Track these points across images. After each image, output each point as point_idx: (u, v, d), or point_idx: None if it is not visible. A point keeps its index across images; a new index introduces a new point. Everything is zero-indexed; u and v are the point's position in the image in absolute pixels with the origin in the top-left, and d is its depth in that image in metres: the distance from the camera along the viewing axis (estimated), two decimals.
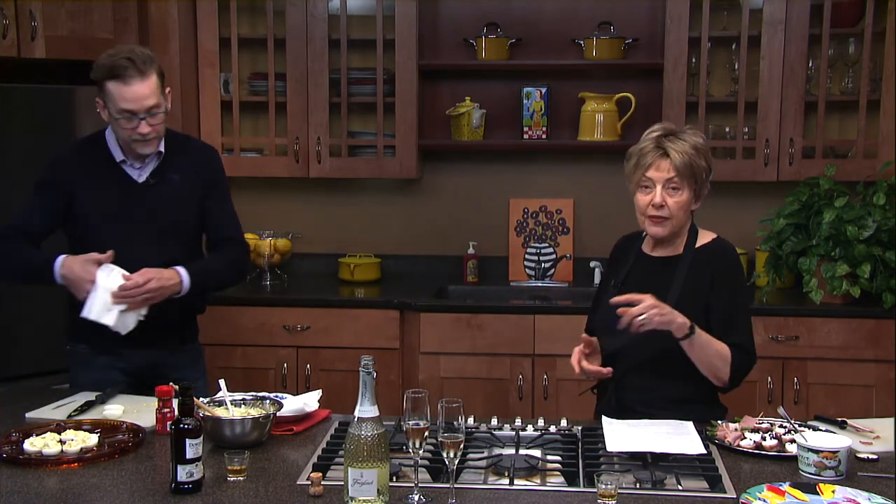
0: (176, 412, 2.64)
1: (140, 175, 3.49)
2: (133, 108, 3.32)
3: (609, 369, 3.19)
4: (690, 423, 2.97)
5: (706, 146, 3.18)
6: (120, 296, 3.28)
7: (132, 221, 3.46)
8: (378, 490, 2.39)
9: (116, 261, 3.32)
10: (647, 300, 2.97)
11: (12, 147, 4.36)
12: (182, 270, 3.42)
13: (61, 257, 3.33)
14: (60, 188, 3.44)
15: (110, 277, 3.27)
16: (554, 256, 5.38)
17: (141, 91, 3.32)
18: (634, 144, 3.24)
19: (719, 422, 3.03)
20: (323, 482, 2.53)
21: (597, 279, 5.12)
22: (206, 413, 2.85)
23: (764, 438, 2.86)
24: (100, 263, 3.29)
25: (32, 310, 4.45)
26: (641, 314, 2.95)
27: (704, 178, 3.15)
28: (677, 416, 3.02)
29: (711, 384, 3.12)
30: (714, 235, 3.26)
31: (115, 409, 3.16)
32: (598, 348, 3.25)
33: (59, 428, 2.90)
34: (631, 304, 2.98)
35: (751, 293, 3.22)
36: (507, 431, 3.00)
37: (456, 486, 2.49)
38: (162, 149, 3.49)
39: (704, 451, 2.76)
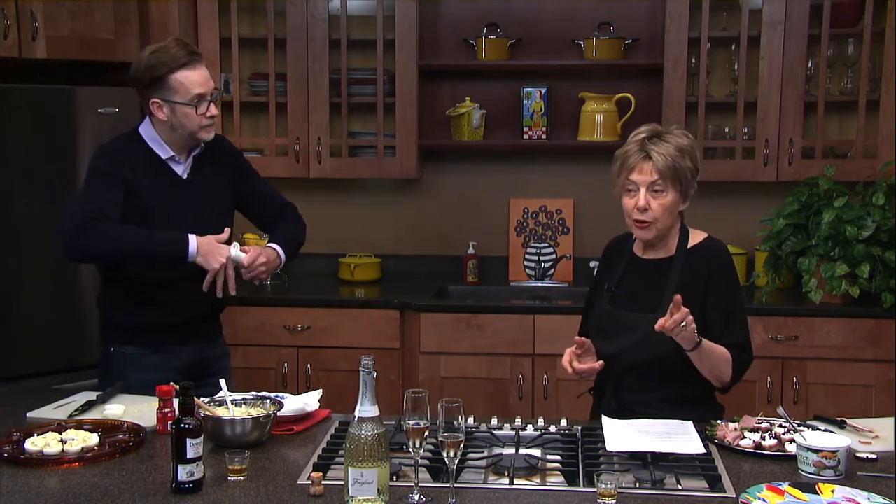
0: (177, 412, 2.65)
1: (184, 171, 3.53)
2: (205, 90, 3.40)
3: (601, 362, 3.18)
4: (690, 423, 2.97)
5: (692, 146, 3.15)
6: (249, 269, 3.50)
7: (182, 214, 3.48)
8: (378, 489, 2.39)
9: None
10: (680, 313, 2.91)
11: (13, 147, 4.36)
12: (277, 247, 3.64)
13: (191, 235, 3.37)
14: (120, 180, 3.40)
15: (237, 253, 3.46)
16: (554, 256, 5.39)
17: (205, 72, 3.45)
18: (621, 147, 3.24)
19: (719, 421, 3.03)
20: (323, 482, 2.53)
21: None
22: (207, 413, 2.86)
23: (763, 438, 2.86)
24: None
25: (33, 310, 4.47)
26: (683, 322, 2.91)
27: (690, 178, 3.13)
28: (675, 417, 3.02)
29: (708, 384, 3.13)
30: (705, 235, 3.25)
31: (115, 409, 3.16)
32: (591, 349, 3.24)
33: (60, 428, 2.90)
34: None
35: (744, 291, 3.22)
36: (507, 431, 3.00)
37: (456, 485, 2.49)
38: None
39: (704, 451, 2.76)
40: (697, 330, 2.99)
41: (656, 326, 2.92)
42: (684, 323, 2.90)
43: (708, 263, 3.14)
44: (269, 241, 3.69)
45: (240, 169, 3.74)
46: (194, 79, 3.39)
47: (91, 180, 3.44)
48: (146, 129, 3.51)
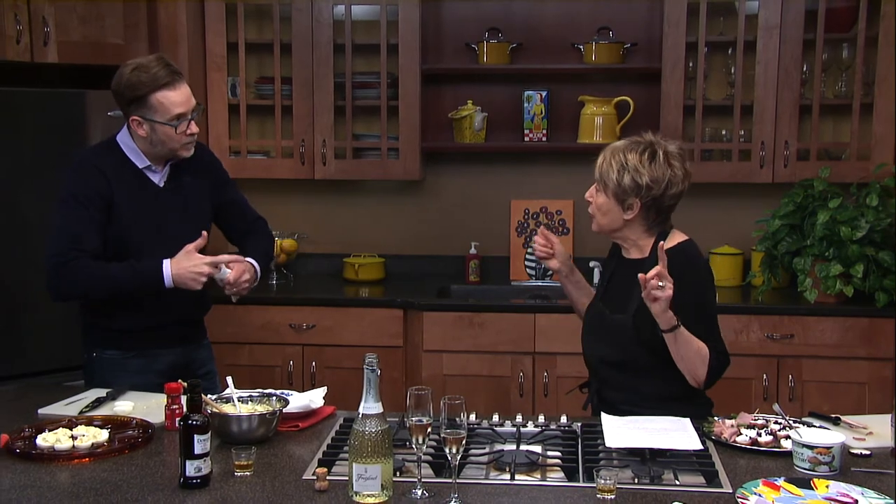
0: (184, 409, 2.65)
1: (160, 180, 3.52)
2: (185, 109, 3.38)
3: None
4: (688, 420, 2.97)
5: (646, 171, 3.09)
6: (234, 285, 3.50)
7: (161, 223, 3.48)
8: (382, 485, 2.40)
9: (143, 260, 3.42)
10: (669, 286, 2.93)
11: (24, 149, 4.40)
12: (254, 262, 3.62)
13: (166, 261, 3.36)
14: (100, 199, 3.40)
15: (221, 272, 3.45)
16: None
17: (186, 91, 3.41)
18: None
19: (715, 418, 3.04)
20: (328, 477, 2.54)
21: (596, 279, 5.16)
22: (214, 410, 2.86)
23: (759, 434, 2.86)
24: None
25: (44, 309, 4.44)
26: (660, 285, 2.91)
27: (623, 193, 3.11)
28: (661, 414, 3.02)
29: (687, 382, 3.11)
30: (682, 239, 3.22)
31: (125, 406, 3.18)
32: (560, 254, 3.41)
33: (70, 424, 2.91)
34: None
35: (713, 295, 3.19)
36: (508, 428, 3.00)
37: (458, 481, 2.50)
38: None
39: (701, 447, 2.75)
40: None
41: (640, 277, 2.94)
42: (659, 288, 2.90)
43: (674, 266, 3.03)
44: (245, 257, 3.62)
45: (219, 178, 3.72)
46: (175, 99, 3.36)
47: (64, 206, 3.40)
48: (124, 138, 3.49)
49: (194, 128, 3.43)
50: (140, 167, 3.48)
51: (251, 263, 3.59)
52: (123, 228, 3.43)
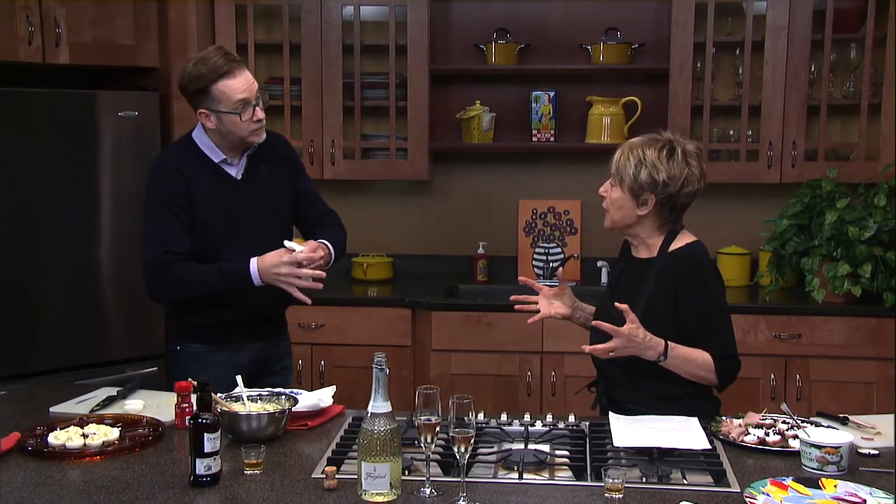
0: (194, 407, 2.64)
1: (237, 172, 3.52)
2: (248, 95, 3.37)
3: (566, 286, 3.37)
4: (695, 419, 2.97)
5: (664, 167, 3.11)
6: (308, 265, 3.44)
7: (242, 215, 3.49)
8: (390, 484, 2.41)
9: (225, 252, 3.45)
10: (617, 340, 3.00)
11: (36, 149, 4.42)
12: (328, 243, 3.60)
13: (253, 261, 3.39)
14: (183, 198, 3.42)
15: (295, 251, 3.42)
16: (562, 256, 5.42)
17: (248, 77, 3.41)
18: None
19: (723, 418, 3.04)
20: (337, 476, 2.55)
21: (604, 279, 5.17)
22: (224, 408, 2.87)
23: (767, 434, 2.86)
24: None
25: (56, 308, 4.53)
26: (610, 351, 3.02)
27: (639, 188, 3.12)
28: (669, 413, 3.03)
29: (695, 381, 3.12)
30: (691, 239, 3.21)
31: (135, 404, 3.19)
32: (569, 296, 3.42)
33: (82, 422, 2.92)
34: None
35: (723, 297, 3.17)
36: (516, 427, 3.01)
37: (466, 479, 2.50)
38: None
39: (709, 447, 2.76)
40: (671, 335, 3.04)
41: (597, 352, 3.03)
42: (613, 354, 3.01)
43: (678, 271, 3.10)
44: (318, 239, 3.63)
45: (295, 167, 3.72)
46: (236, 87, 3.36)
47: (151, 211, 3.45)
48: (198, 135, 3.50)
49: (260, 113, 3.42)
50: (216, 161, 3.49)
51: (323, 243, 3.58)
52: (205, 223, 3.45)
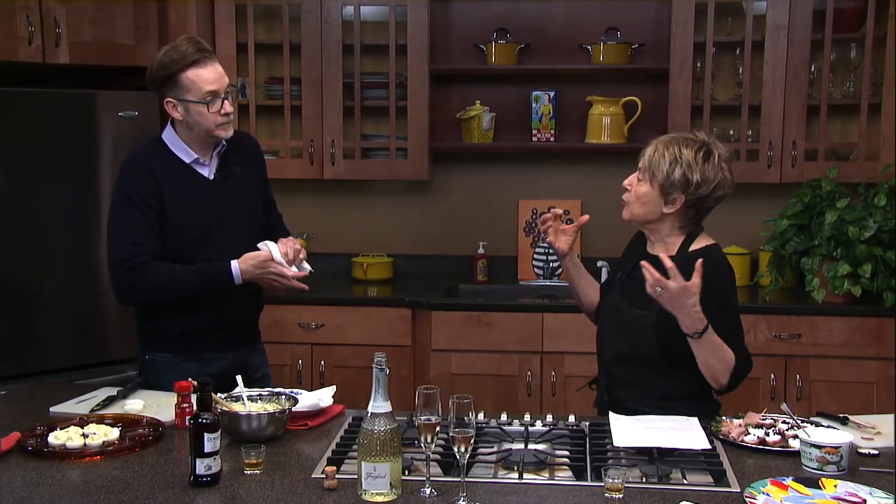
0: (195, 407, 2.64)
1: (209, 172, 3.49)
2: (217, 87, 3.33)
3: (587, 216, 3.34)
4: (695, 419, 2.97)
5: (699, 168, 3.10)
6: (294, 261, 3.48)
7: (213, 215, 3.46)
8: (390, 483, 2.42)
9: (199, 254, 3.41)
10: (676, 283, 2.92)
11: (36, 149, 4.42)
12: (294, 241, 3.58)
13: (234, 262, 3.38)
14: (152, 198, 3.37)
15: (277, 256, 3.44)
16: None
17: (218, 69, 3.37)
18: (643, 147, 3.25)
19: (723, 418, 3.04)
20: (337, 476, 2.55)
21: (603, 278, 5.16)
22: (224, 408, 2.87)
23: (767, 434, 2.86)
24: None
25: (56, 308, 4.52)
26: (659, 287, 2.93)
27: (672, 186, 3.11)
28: (670, 413, 3.03)
29: (700, 383, 3.10)
30: (708, 242, 3.21)
31: (135, 404, 3.19)
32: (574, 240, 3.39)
33: (82, 422, 2.92)
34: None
35: (748, 291, 3.16)
36: (516, 427, 3.00)
37: (467, 479, 2.51)
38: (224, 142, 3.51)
39: (709, 447, 2.76)
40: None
41: (648, 287, 2.96)
42: (660, 291, 2.93)
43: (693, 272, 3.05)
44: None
45: (264, 169, 3.70)
46: (206, 76, 3.31)
47: (120, 210, 3.40)
48: (168, 135, 3.46)
49: (228, 107, 3.38)
50: (187, 161, 3.45)
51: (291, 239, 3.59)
52: (177, 224, 3.41)
